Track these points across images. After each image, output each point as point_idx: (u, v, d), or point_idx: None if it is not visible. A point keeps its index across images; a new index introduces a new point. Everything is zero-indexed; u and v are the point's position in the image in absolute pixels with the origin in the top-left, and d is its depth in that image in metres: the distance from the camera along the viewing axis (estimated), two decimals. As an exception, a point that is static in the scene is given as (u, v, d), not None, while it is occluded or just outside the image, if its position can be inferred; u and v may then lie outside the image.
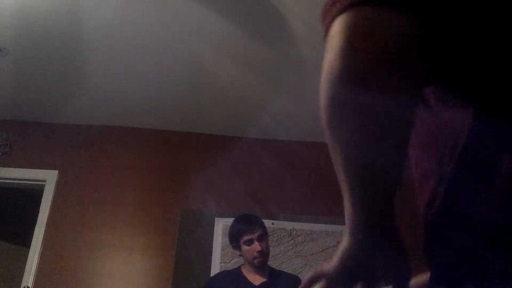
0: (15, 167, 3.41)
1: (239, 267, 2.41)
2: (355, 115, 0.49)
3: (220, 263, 3.20)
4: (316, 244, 3.33)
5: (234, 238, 2.33)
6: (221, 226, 3.31)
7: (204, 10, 2.45)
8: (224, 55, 2.81)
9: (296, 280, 2.38)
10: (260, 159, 3.54)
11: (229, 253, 3.22)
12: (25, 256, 3.20)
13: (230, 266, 3.17)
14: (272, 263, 3.17)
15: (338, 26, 0.48)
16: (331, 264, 0.64)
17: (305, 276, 0.69)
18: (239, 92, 3.19)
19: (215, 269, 3.17)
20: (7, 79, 3.10)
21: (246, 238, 2.27)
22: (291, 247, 3.30)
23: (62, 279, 3.11)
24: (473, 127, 0.50)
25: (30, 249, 3.19)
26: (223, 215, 3.32)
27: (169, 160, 3.58)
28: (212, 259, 3.21)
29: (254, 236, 2.26)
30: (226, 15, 2.50)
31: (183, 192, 3.41)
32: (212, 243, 3.27)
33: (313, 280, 0.67)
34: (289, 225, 3.36)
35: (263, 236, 2.30)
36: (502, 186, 0.49)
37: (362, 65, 0.46)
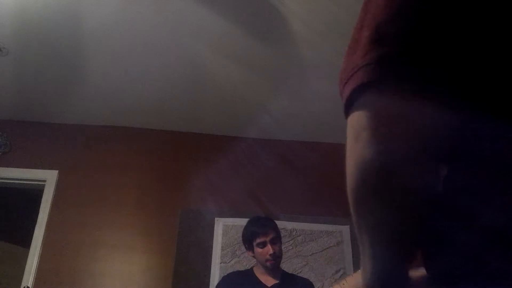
0: (15, 167, 3.41)
1: (251, 268, 2.43)
2: (385, 200, 0.49)
3: (220, 263, 3.20)
4: (316, 244, 3.33)
5: (247, 240, 2.35)
6: (221, 226, 3.32)
7: (204, 10, 2.46)
8: (224, 55, 2.81)
9: (308, 283, 2.39)
10: (260, 159, 3.54)
11: (229, 253, 3.23)
12: (25, 256, 3.20)
13: (230, 266, 3.17)
14: (272, 263, 3.17)
15: (365, 113, 0.46)
16: None
17: None
18: (239, 92, 3.19)
19: (215, 269, 3.18)
20: (7, 79, 3.10)
21: (259, 240, 2.28)
22: (291, 247, 3.30)
23: (62, 279, 3.11)
24: (473, 127, 0.50)
25: (30, 249, 3.19)
26: (223, 215, 3.33)
27: (169, 160, 3.58)
28: (212, 259, 3.21)
29: (267, 239, 2.28)
30: (226, 15, 2.50)
31: (183, 192, 3.41)
32: (212, 243, 3.27)
33: None
34: (289, 225, 3.36)
35: (276, 239, 2.32)
36: (502, 186, 0.49)
37: (395, 157, 0.46)
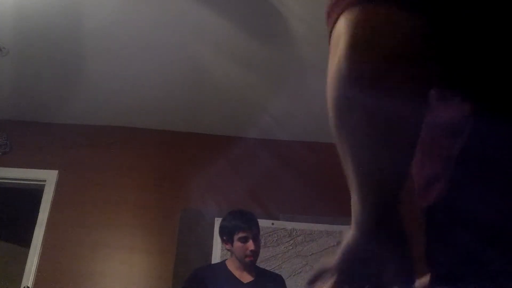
0: (15, 167, 3.41)
1: (223, 262, 2.37)
2: (363, 116, 0.49)
3: (220, 263, 3.20)
4: (316, 244, 3.33)
5: (228, 232, 2.28)
6: (221, 226, 3.31)
7: (204, 10, 2.45)
8: (224, 55, 2.81)
9: (280, 279, 2.36)
10: (260, 159, 3.54)
11: (229, 253, 3.22)
12: (25, 256, 3.20)
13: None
14: (272, 263, 3.17)
15: (343, 24, 0.47)
16: (334, 259, 0.64)
17: (311, 274, 0.69)
18: (239, 92, 3.19)
19: (215, 269, 3.18)
20: (7, 79, 3.10)
21: (242, 235, 2.22)
22: (291, 247, 3.29)
23: (62, 279, 3.11)
24: (474, 128, 0.50)
25: (30, 249, 3.19)
26: (223, 215, 3.32)
27: (169, 160, 3.58)
28: (212, 259, 3.21)
29: (250, 234, 2.22)
30: (226, 15, 2.50)
31: (183, 192, 3.41)
32: (212, 243, 3.27)
33: (318, 276, 0.68)
34: (289, 225, 3.36)
35: (258, 235, 2.27)
36: (503, 187, 0.49)
37: (370, 65, 0.46)
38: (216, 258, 3.22)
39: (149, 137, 3.63)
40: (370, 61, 0.46)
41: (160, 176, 3.51)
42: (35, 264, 3.12)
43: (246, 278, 2.25)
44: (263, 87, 3.12)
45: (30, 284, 3.05)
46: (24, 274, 3.11)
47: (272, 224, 3.30)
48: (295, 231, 3.36)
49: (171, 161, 3.58)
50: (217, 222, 3.32)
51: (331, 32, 0.50)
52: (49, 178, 3.41)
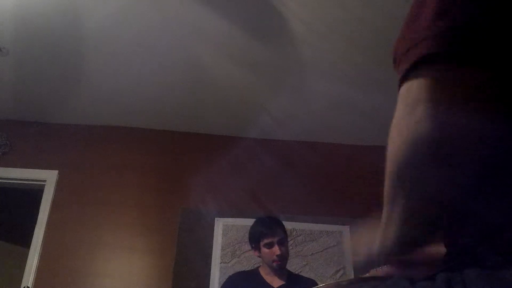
0: (15, 167, 3.41)
1: (257, 268, 2.43)
2: (433, 171, 0.48)
3: (220, 263, 3.20)
4: (316, 244, 3.33)
5: (255, 239, 2.35)
6: (221, 226, 3.32)
7: (204, 10, 2.46)
8: (224, 55, 2.81)
9: (313, 283, 2.38)
10: (260, 159, 3.54)
11: (229, 253, 3.23)
12: (25, 256, 3.20)
13: (230, 266, 3.18)
14: (272, 263, 3.17)
15: (420, 85, 0.45)
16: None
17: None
18: (239, 92, 3.19)
19: (215, 269, 3.18)
20: (7, 79, 3.11)
21: (266, 241, 2.28)
22: (291, 247, 3.29)
23: (62, 279, 3.11)
24: (496, 134, 0.50)
25: (30, 249, 3.19)
26: (223, 215, 3.33)
27: (169, 160, 3.58)
28: (212, 259, 3.21)
29: (275, 239, 2.28)
30: (226, 15, 2.50)
31: (183, 192, 3.41)
32: (212, 243, 3.27)
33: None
34: (289, 225, 3.35)
35: (284, 240, 2.32)
36: None
37: (454, 129, 0.44)
38: (216, 258, 3.22)
39: (149, 137, 3.63)
40: (454, 121, 0.44)
41: (160, 176, 3.51)
42: (35, 264, 3.12)
43: (277, 282, 2.30)
44: (263, 87, 3.12)
45: (30, 284, 3.05)
46: (24, 274, 3.11)
47: (272, 224, 3.29)
48: (295, 231, 3.36)
49: (171, 161, 3.58)
50: (217, 222, 3.33)
51: (401, 79, 0.48)
52: (49, 178, 3.41)
